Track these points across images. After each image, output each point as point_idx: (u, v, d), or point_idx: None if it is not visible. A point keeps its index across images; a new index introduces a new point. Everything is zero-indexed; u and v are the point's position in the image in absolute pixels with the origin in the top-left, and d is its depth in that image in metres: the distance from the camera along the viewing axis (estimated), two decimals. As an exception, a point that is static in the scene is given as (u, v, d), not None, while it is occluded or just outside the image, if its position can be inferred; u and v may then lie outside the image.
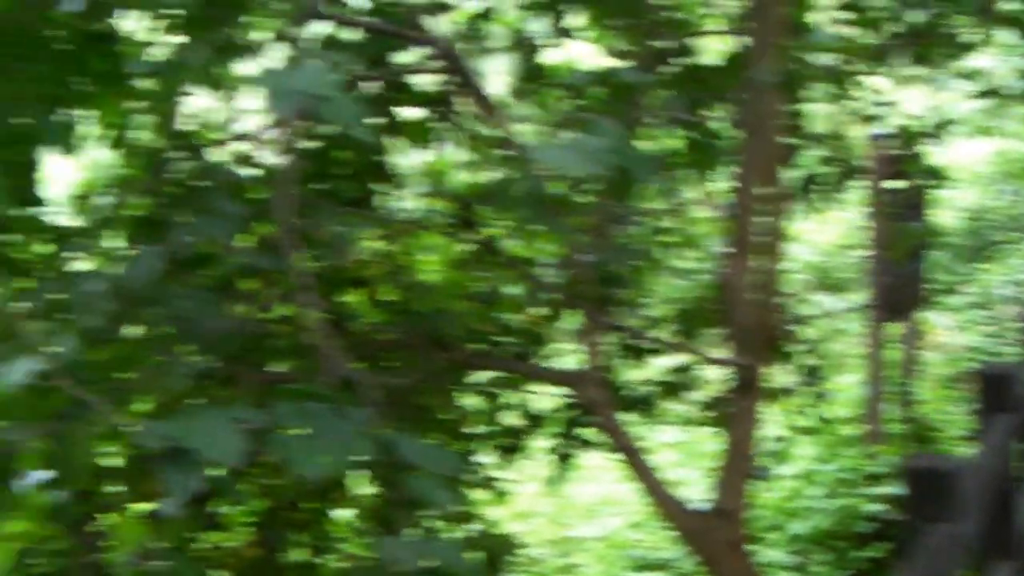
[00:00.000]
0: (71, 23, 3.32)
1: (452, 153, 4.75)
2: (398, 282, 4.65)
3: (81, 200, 4.20)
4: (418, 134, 4.40)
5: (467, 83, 4.03)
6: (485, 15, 4.88)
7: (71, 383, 2.68)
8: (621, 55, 4.95)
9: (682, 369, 5.56)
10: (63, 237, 4.09)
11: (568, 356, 5.36)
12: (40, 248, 4.21)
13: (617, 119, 3.20)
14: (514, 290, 5.03)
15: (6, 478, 2.88)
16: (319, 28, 4.12)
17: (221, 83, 4.26)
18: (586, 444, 5.28)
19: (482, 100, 4.02)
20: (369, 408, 2.62)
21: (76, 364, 2.76)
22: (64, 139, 3.23)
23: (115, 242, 3.93)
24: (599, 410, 4.56)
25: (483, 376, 4.98)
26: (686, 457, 9.56)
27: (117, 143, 4.63)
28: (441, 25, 4.54)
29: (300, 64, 2.45)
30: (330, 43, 4.17)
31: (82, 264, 4.18)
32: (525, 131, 4.32)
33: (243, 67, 4.52)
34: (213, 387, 3.36)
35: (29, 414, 2.78)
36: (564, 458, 5.30)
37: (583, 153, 2.36)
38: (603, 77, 3.80)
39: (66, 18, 3.32)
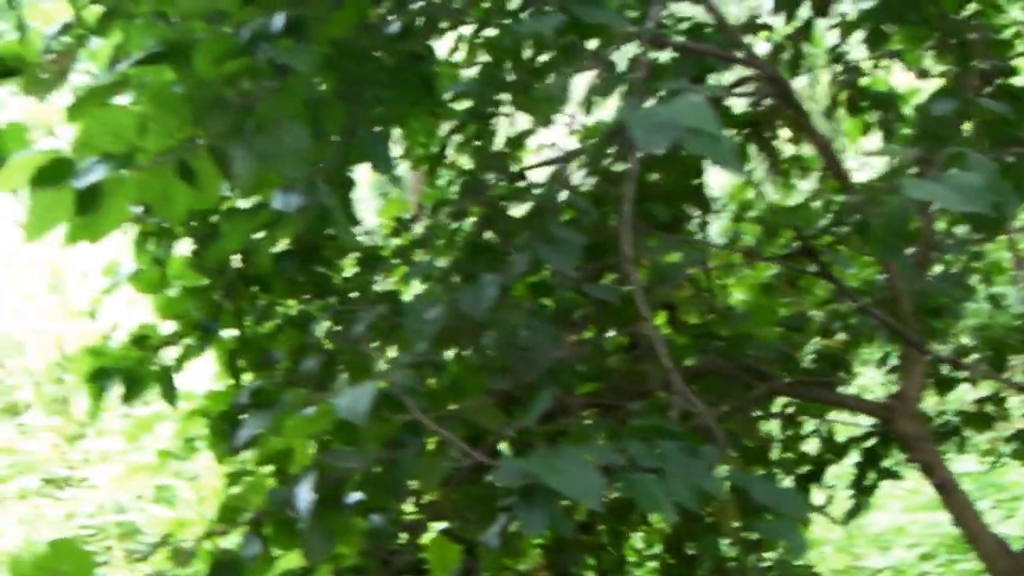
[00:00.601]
0: (392, 45, 3.34)
1: (767, 177, 4.67)
2: (705, 307, 4.57)
3: (394, 222, 4.24)
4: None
5: (789, 105, 3.92)
6: (803, 34, 4.78)
7: (410, 410, 2.68)
8: (931, 76, 4.82)
9: (993, 399, 5.38)
10: (377, 259, 4.13)
11: (861, 381, 5.24)
12: (351, 269, 4.27)
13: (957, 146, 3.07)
14: (819, 315, 4.92)
15: (338, 503, 2.89)
16: (631, 49, 4.08)
17: (535, 105, 4.25)
18: (888, 475, 5.14)
19: (805, 123, 3.91)
20: (717, 445, 2.56)
21: (412, 391, 2.76)
22: (387, 160, 3.25)
23: (427, 262, 3.94)
24: (914, 442, 4.39)
25: (781, 401, 4.88)
26: (981, 488, 9.28)
27: (423, 162, 4.67)
28: (757, 45, 4.46)
29: (677, 96, 2.38)
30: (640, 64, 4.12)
31: (384, 285, 4.22)
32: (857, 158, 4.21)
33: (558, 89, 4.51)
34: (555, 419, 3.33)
35: (367, 440, 2.79)
36: (865, 489, 5.17)
37: (962, 190, 2.26)
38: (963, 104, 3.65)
39: (388, 40, 3.34)
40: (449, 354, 3.34)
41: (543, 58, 4.06)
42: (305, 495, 2.80)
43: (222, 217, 3.41)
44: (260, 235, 3.31)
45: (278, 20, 2.65)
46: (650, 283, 3.68)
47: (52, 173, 2.64)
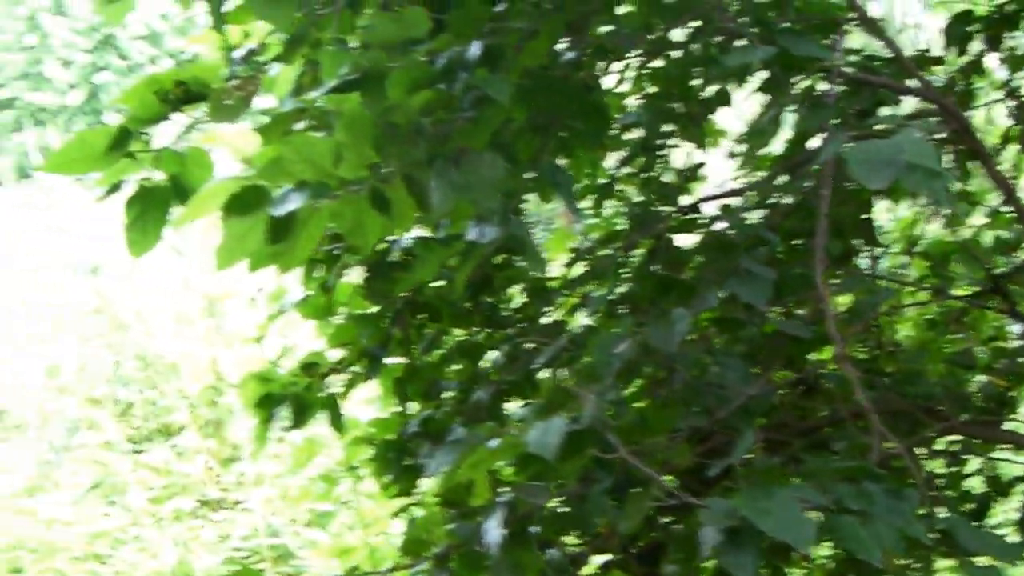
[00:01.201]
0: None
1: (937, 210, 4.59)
2: (873, 342, 4.50)
3: (570, 253, 4.22)
4: (903, 190, 4.24)
5: (966, 139, 3.83)
6: (974, 68, 4.69)
7: (614, 447, 2.65)
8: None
9: None
10: (546, 290, 4.11)
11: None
12: (519, 300, 4.25)
13: None
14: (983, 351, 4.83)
15: (526, 538, 2.87)
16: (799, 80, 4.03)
17: (705, 136, 4.22)
18: (1053, 514, 5.02)
19: (985, 157, 3.82)
20: (918, 487, 2.51)
21: (603, 425, 2.72)
22: (570, 190, 3.24)
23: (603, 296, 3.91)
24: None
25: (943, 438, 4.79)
26: None
27: (589, 192, 4.65)
28: (928, 77, 4.37)
29: (899, 132, 2.34)
30: (809, 95, 4.07)
31: (552, 318, 4.19)
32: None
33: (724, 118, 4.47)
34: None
35: (564, 475, 2.77)
36: (1031, 528, 5.05)
37: None
38: None
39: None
40: (632, 389, 3.32)
41: (711, 89, 4.03)
42: (494, 529, 2.77)
43: (416, 246, 3.41)
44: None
45: (475, 49, 2.64)
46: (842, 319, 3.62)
47: (246, 201, 2.65)
